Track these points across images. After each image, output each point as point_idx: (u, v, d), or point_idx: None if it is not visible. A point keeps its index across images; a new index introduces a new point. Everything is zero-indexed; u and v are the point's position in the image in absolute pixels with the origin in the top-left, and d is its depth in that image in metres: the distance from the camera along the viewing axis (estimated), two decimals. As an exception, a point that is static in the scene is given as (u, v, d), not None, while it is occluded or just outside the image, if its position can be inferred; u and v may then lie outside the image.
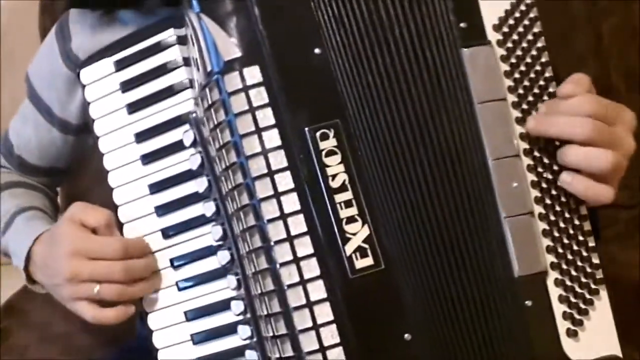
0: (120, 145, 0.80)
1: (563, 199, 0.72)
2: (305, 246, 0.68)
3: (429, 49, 0.71)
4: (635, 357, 0.76)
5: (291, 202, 0.68)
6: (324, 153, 0.68)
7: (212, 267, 0.76)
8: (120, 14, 0.88)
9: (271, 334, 0.70)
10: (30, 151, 0.98)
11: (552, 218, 0.72)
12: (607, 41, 1.15)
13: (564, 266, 0.72)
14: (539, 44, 0.73)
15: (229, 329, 0.75)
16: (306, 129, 0.68)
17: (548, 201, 0.72)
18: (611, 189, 0.70)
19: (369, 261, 0.68)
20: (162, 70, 0.78)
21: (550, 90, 0.73)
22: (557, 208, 0.72)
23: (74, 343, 1.09)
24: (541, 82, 0.73)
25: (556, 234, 0.72)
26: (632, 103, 0.74)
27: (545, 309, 0.71)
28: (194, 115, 0.76)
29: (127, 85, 0.80)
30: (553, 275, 0.72)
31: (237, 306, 0.74)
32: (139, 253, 0.78)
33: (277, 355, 0.70)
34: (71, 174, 1.03)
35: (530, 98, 0.72)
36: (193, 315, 0.77)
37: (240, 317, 0.74)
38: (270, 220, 0.68)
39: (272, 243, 0.68)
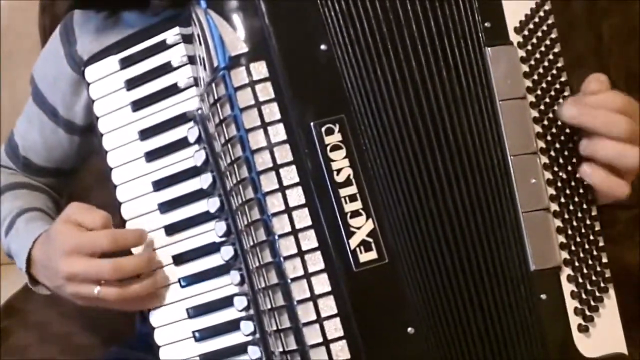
0: (124, 142, 0.80)
1: (577, 199, 0.74)
2: (309, 240, 0.68)
3: (450, 46, 0.72)
4: (636, 357, 0.76)
5: (296, 196, 0.68)
6: (329, 148, 0.69)
7: (215, 264, 0.76)
8: (125, 16, 0.88)
9: (274, 328, 0.70)
10: (36, 152, 0.98)
11: (566, 216, 0.73)
12: (607, 41, 1.16)
13: (577, 263, 0.73)
14: (556, 49, 0.75)
15: (232, 326, 0.76)
16: (311, 123, 0.69)
17: (563, 199, 0.73)
18: (626, 185, 0.71)
19: (373, 255, 0.69)
20: (167, 68, 0.78)
21: (566, 93, 0.75)
22: (571, 207, 0.74)
23: (74, 343, 1.09)
24: (557, 86, 0.75)
25: (569, 232, 0.73)
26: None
27: (559, 303, 0.72)
28: (199, 111, 0.76)
29: (132, 83, 0.80)
30: (566, 271, 0.73)
31: (240, 302, 0.74)
32: (130, 243, 0.77)
33: (281, 349, 0.70)
34: (76, 177, 1.03)
35: (547, 100, 0.74)
36: (195, 312, 0.77)
37: (243, 313, 0.75)
38: (275, 214, 0.68)
39: (276, 236, 0.68)
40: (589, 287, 0.73)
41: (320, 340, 0.68)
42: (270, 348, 0.73)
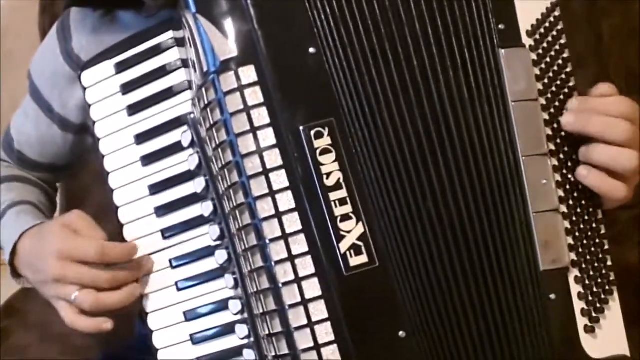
0: (120, 147, 0.81)
1: (584, 202, 0.74)
2: (300, 244, 0.68)
3: (460, 47, 0.72)
4: (636, 357, 0.75)
5: (286, 201, 0.68)
6: (318, 151, 0.69)
7: (211, 267, 0.77)
8: (121, 15, 0.89)
9: (267, 333, 0.70)
10: (30, 146, 0.99)
11: (574, 218, 0.74)
12: (607, 41, 1.15)
13: (584, 265, 0.73)
14: (565, 55, 0.75)
15: (228, 329, 0.76)
16: (301, 127, 0.69)
17: (571, 202, 0.74)
18: (625, 186, 0.72)
19: (363, 259, 0.68)
20: (162, 72, 0.79)
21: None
22: (579, 209, 0.74)
23: (74, 343, 1.10)
24: (566, 90, 0.75)
25: (577, 234, 0.73)
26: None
27: (567, 303, 0.72)
28: (191, 116, 0.76)
29: (128, 88, 0.80)
30: (574, 272, 0.73)
31: (235, 305, 0.74)
32: (117, 259, 0.77)
33: (273, 354, 0.70)
34: (71, 173, 1.03)
35: (557, 103, 0.74)
36: (192, 315, 0.78)
37: (238, 317, 0.75)
38: (265, 219, 0.68)
39: (267, 241, 0.68)
40: (595, 289, 0.73)
41: (312, 344, 0.68)
42: (264, 352, 0.72)
